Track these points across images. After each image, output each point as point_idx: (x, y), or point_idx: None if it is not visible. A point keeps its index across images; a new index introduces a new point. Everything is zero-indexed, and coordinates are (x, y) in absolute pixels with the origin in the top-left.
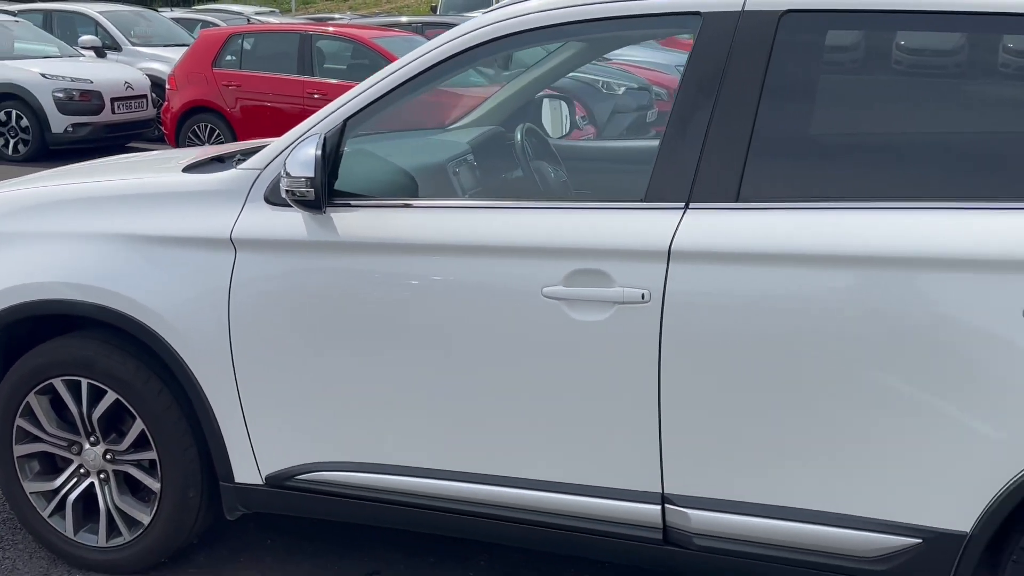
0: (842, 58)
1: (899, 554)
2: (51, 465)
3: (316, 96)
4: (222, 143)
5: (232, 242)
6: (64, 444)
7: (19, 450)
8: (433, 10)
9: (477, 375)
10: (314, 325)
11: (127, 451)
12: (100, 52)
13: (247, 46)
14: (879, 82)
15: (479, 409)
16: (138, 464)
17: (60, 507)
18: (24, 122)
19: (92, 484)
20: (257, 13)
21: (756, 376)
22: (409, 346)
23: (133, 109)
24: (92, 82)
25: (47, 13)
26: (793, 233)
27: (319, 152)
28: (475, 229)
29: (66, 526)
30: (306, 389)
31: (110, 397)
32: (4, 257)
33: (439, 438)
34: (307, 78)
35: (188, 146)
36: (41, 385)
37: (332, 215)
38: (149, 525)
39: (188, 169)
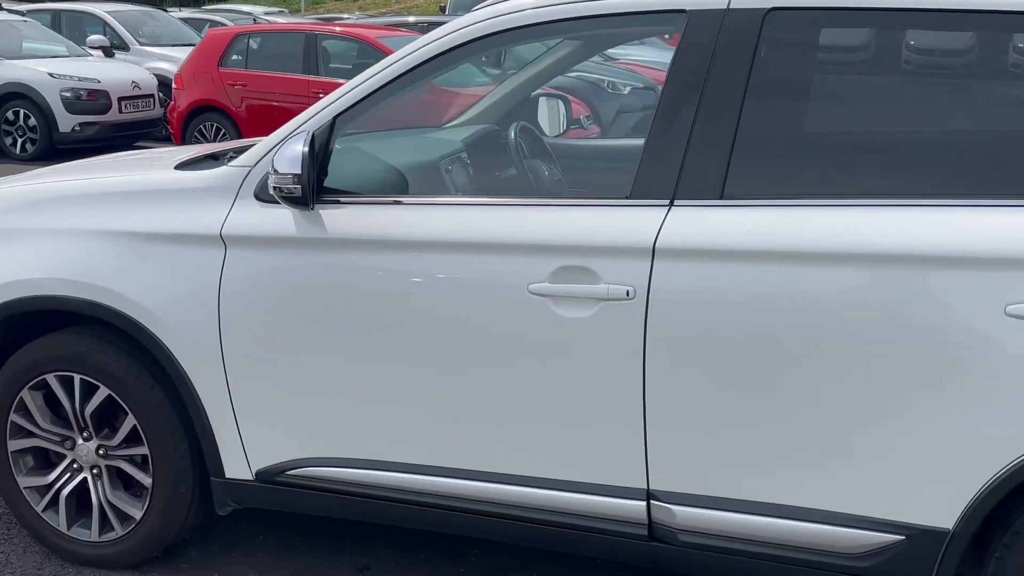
0: (827, 56)
1: (882, 551)
2: (45, 460)
3: (321, 96)
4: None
5: (222, 239)
6: (57, 439)
7: (13, 445)
8: (442, 10)
9: (464, 371)
10: (303, 321)
11: (119, 446)
12: (108, 52)
13: (253, 46)
14: (864, 80)
15: (466, 405)
16: (130, 459)
17: (54, 502)
18: (32, 121)
19: (85, 479)
20: (266, 13)
21: (740, 373)
22: (397, 342)
23: (140, 108)
24: (100, 81)
25: (56, 13)
26: (777, 230)
27: (306, 149)
28: (462, 226)
29: (60, 521)
30: (295, 385)
31: (102, 393)
32: None
33: (427, 434)
34: (313, 78)
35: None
36: (35, 381)
37: (321, 212)
38: (141, 520)
39: (180, 166)
